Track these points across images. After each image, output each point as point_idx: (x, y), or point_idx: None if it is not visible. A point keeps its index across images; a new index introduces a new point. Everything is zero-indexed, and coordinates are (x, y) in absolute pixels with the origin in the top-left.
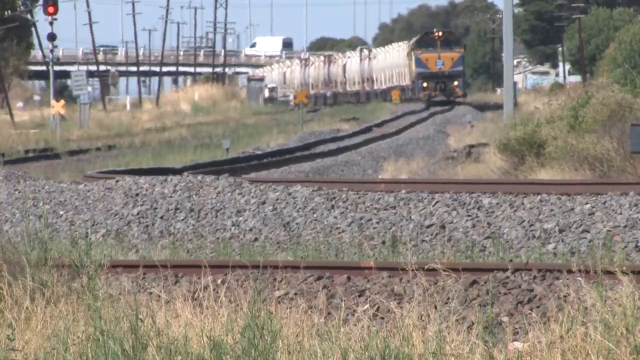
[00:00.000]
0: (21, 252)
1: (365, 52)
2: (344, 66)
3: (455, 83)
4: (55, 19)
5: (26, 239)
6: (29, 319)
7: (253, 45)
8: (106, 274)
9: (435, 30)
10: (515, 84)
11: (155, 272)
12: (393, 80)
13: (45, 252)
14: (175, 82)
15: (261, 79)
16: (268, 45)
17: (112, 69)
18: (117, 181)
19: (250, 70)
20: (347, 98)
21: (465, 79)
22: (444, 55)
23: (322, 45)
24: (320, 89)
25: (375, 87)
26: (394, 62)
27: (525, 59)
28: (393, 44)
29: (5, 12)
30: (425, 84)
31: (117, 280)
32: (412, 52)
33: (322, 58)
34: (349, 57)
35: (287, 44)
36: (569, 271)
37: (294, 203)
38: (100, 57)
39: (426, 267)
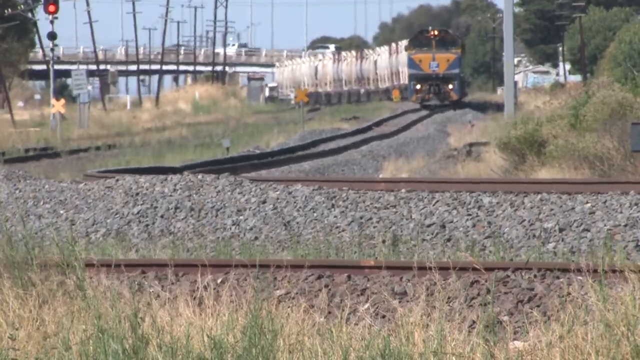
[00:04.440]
0: (7, 252)
1: (394, 46)
2: (375, 62)
3: (450, 86)
4: (56, 18)
5: (5, 239)
6: (21, 318)
7: None
8: (106, 273)
9: (430, 29)
10: (515, 83)
11: (155, 271)
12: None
13: (28, 252)
14: (175, 81)
15: (261, 79)
16: None
17: (112, 68)
18: (117, 180)
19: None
20: (380, 96)
21: (464, 79)
22: (439, 56)
23: (321, 45)
24: (354, 86)
25: (402, 81)
26: None
27: (526, 59)
28: None
29: (6, 11)
30: (418, 86)
31: (118, 279)
32: (406, 52)
33: (353, 53)
34: (379, 54)
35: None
36: (568, 270)
37: (294, 202)
38: (100, 55)
39: (432, 266)
